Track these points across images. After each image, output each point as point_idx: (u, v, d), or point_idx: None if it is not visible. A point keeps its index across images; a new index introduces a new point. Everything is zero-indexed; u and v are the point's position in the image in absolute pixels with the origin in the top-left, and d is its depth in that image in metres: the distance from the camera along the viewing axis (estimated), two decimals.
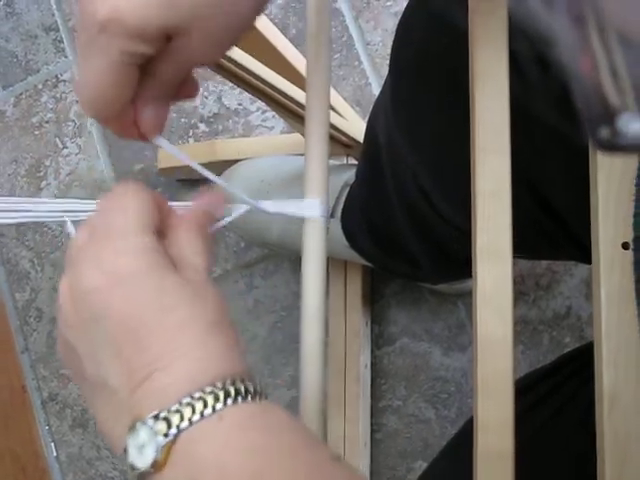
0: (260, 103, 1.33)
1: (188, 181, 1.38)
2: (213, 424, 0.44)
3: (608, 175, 0.60)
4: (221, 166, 1.22)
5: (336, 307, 1.25)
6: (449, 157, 0.79)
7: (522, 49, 0.59)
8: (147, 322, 0.46)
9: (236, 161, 1.22)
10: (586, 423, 0.62)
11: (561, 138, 0.73)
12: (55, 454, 1.41)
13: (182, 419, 0.44)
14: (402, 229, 0.99)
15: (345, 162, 1.23)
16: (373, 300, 1.30)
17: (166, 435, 0.43)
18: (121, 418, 0.46)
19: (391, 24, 1.34)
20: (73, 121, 1.47)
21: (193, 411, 0.44)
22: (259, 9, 0.52)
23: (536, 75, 0.59)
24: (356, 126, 1.15)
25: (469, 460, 0.59)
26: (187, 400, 0.44)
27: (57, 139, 1.47)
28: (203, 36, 0.49)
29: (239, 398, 0.45)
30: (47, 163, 1.47)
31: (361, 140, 1.07)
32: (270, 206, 0.57)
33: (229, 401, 0.44)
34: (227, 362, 0.47)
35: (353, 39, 1.35)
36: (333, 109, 1.15)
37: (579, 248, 0.82)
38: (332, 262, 1.24)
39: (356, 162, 1.18)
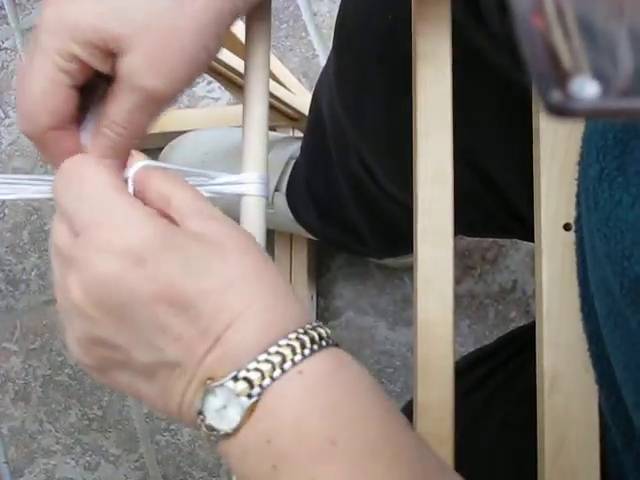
0: (205, 74, 1.31)
1: None
2: (293, 380, 0.44)
3: (550, 156, 0.60)
4: (166, 137, 1.21)
5: None
6: (392, 136, 0.78)
7: None
8: (186, 291, 0.44)
9: (181, 132, 1.21)
10: (527, 399, 0.62)
11: (503, 114, 0.73)
12: None
13: (263, 377, 0.43)
14: (347, 204, 0.98)
15: (291, 135, 1.22)
16: (319, 274, 1.30)
17: (249, 396, 0.43)
18: (188, 389, 0.45)
19: None
20: (15, 90, 1.43)
21: (273, 367, 0.43)
22: (216, 41, 0.50)
23: (497, 23, 0.58)
24: (302, 98, 1.14)
25: None
26: (264, 357, 0.43)
27: None
28: (147, 54, 0.48)
29: (315, 347, 0.44)
30: None
31: (307, 113, 1.06)
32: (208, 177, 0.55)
33: (306, 352, 0.44)
34: (290, 311, 0.46)
35: (300, 9, 1.33)
36: (279, 82, 1.14)
37: (523, 227, 0.82)
38: (278, 235, 1.24)
39: (302, 135, 1.17)
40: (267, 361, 0.43)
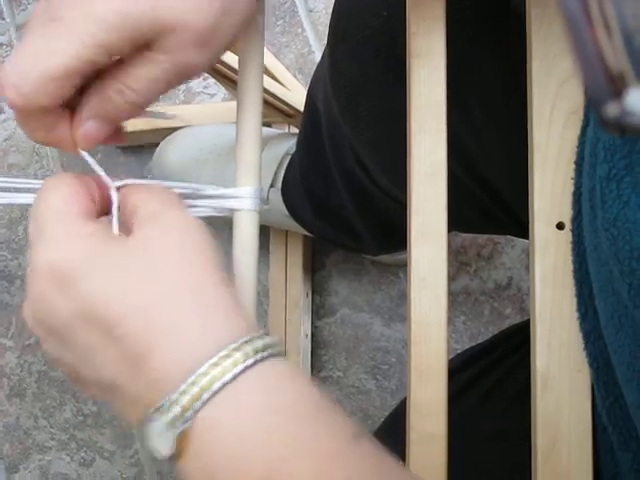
0: None
1: (128, 148, 1.36)
2: (226, 403, 0.42)
3: (544, 155, 0.59)
4: (161, 133, 1.21)
5: (277, 277, 1.24)
6: (386, 134, 0.78)
7: None
8: (106, 312, 0.43)
9: (176, 128, 1.20)
10: (522, 398, 0.62)
11: (499, 114, 0.73)
12: None
13: (194, 399, 0.42)
14: (342, 200, 0.98)
15: (287, 131, 1.22)
16: (314, 270, 1.30)
17: (185, 420, 0.42)
18: (136, 410, 0.44)
19: None
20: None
21: (201, 389, 0.41)
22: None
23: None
24: (298, 95, 1.14)
25: (404, 440, 0.59)
26: (191, 379, 0.42)
27: None
28: (197, 32, 0.46)
29: (250, 361, 0.42)
30: None
31: (302, 109, 1.06)
32: (201, 191, 0.55)
33: (238, 369, 0.42)
34: (221, 326, 0.44)
35: (296, 5, 1.33)
36: (275, 78, 1.13)
37: (518, 225, 0.82)
38: (273, 232, 1.24)
39: (297, 131, 1.17)
40: (193, 384, 0.42)
